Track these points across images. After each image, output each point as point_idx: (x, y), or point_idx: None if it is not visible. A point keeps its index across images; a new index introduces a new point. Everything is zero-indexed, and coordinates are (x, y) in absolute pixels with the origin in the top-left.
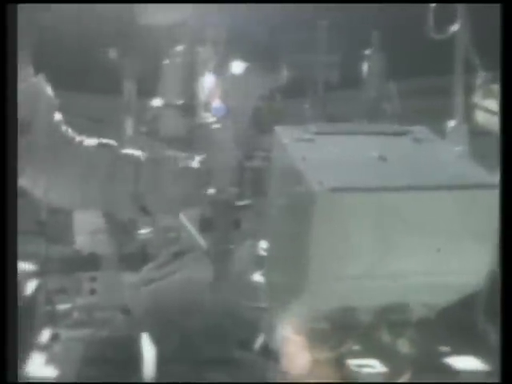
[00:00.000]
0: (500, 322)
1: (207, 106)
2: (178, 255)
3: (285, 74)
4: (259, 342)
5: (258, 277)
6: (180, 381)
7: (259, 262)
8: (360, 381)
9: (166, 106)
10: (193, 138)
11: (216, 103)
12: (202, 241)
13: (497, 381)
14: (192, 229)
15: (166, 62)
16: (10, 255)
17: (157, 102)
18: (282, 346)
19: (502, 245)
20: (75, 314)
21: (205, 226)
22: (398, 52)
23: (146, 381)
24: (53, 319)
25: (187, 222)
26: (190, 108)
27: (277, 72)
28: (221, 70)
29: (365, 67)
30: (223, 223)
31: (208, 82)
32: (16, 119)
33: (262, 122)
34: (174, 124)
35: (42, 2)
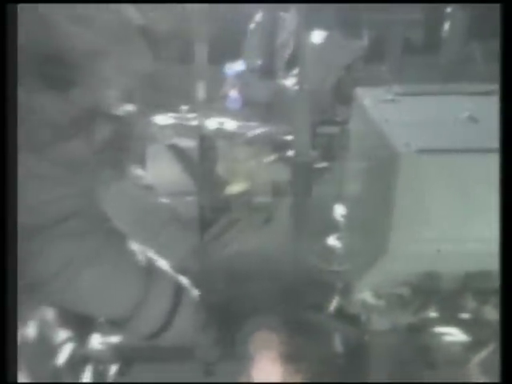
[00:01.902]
0: (500, 322)
1: (285, 72)
2: (232, 223)
3: (366, 43)
4: (334, 304)
5: (332, 240)
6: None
7: (334, 226)
8: (438, 350)
9: (246, 70)
10: (271, 102)
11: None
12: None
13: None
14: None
15: (247, 25)
16: (10, 253)
17: (237, 67)
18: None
19: (501, 243)
20: None
21: (277, 190)
22: (485, 9)
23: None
24: None
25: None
26: (269, 72)
27: (358, 40)
28: (301, 37)
29: (447, 27)
30: (300, 186)
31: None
32: (16, 118)
33: (342, 93)
34: (252, 88)
35: (43, 2)
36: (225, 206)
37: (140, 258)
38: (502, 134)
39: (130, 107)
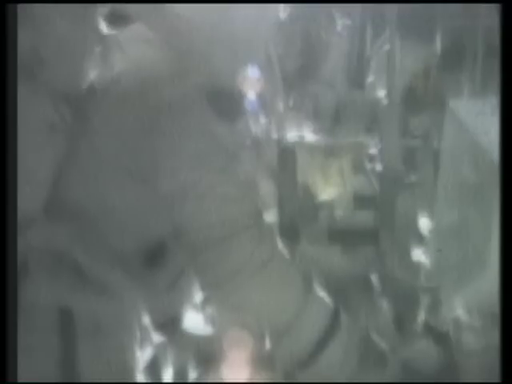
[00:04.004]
0: (500, 322)
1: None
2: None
3: (439, 47)
4: (421, 320)
5: (418, 255)
6: None
7: (420, 241)
8: None
9: (325, 83)
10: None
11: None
12: None
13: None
14: None
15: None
16: (10, 253)
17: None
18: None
19: (502, 243)
20: None
21: (362, 203)
22: None
23: None
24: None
25: None
26: (353, 83)
27: (432, 44)
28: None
29: None
30: (386, 200)
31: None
32: (16, 119)
33: (416, 101)
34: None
35: (43, 2)
36: (307, 217)
37: (303, 270)
38: (501, 133)
39: None
